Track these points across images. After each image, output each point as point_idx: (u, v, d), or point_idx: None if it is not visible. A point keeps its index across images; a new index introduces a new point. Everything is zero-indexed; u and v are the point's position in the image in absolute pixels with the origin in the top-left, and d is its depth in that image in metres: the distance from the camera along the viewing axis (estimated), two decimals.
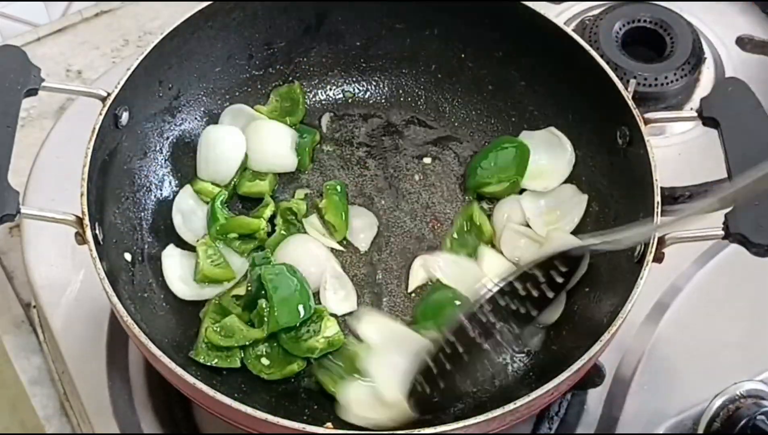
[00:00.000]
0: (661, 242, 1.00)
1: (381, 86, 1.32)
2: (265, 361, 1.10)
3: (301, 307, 1.09)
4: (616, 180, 1.16)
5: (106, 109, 1.07)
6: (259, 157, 1.24)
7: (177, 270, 1.16)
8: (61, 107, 1.43)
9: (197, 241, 1.18)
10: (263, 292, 1.10)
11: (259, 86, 1.29)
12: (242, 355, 1.09)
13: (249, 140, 1.24)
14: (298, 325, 1.09)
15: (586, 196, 1.20)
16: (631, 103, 1.09)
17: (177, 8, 1.50)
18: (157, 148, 1.21)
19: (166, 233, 1.19)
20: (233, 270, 1.16)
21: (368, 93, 1.33)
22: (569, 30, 1.17)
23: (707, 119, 1.05)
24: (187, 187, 1.22)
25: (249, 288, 1.12)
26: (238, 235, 1.19)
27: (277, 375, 1.09)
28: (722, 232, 0.97)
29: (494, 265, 1.16)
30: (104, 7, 1.56)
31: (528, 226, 1.20)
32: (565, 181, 1.22)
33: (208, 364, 1.07)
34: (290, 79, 1.30)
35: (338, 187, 1.22)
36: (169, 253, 1.17)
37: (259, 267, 1.12)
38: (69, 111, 1.37)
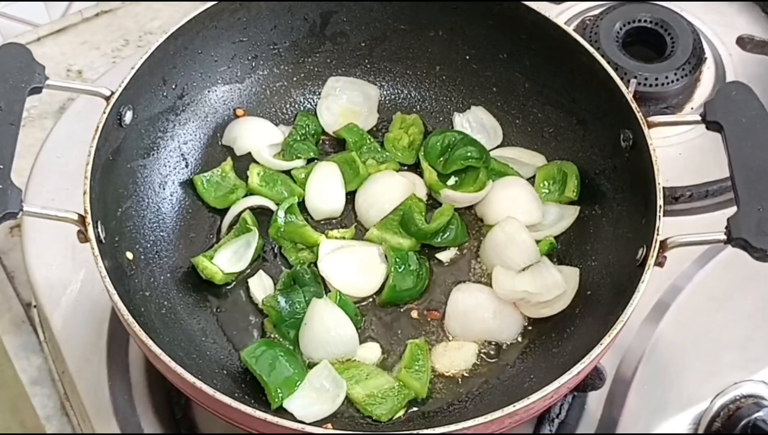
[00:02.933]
0: (663, 246, 1.00)
1: (385, 87, 1.32)
2: None
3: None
4: (619, 182, 1.16)
5: (110, 108, 1.07)
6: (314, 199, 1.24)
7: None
8: (62, 107, 1.43)
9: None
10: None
11: (263, 86, 1.29)
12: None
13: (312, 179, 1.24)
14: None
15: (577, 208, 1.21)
16: (634, 105, 1.09)
17: (177, 8, 1.50)
18: (161, 147, 1.21)
19: (168, 231, 1.19)
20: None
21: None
22: (570, 30, 1.17)
23: (711, 123, 1.05)
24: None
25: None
26: (294, 243, 1.20)
27: None
28: (724, 237, 0.97)
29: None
30: (104, 7, 1.55)
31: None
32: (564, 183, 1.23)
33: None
34: (294, 78, 1.31)
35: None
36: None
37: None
38: (70, 111, 1.37)
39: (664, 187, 1.05)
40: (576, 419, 1.13)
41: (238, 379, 1.10)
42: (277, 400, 1.05)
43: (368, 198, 1.23)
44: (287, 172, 1.26)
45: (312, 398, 1.07)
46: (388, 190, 1.22)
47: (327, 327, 1.11)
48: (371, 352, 1.13)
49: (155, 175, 1.20)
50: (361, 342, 1.13)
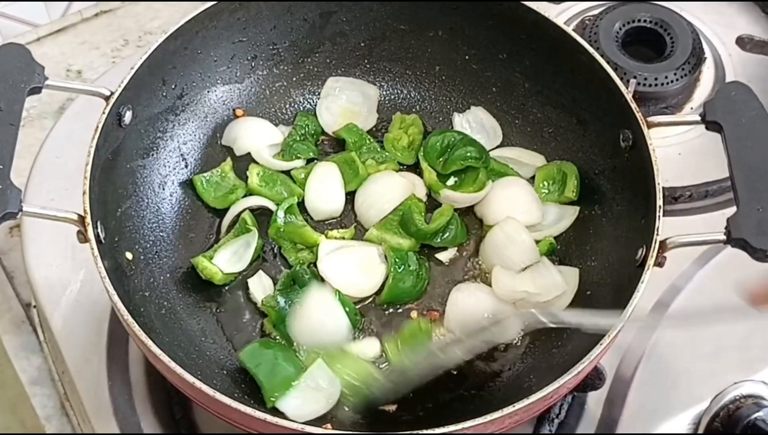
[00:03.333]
0: (663, 246, 1.00)
1: (385, 87, 1.32)
2: None
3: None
4: (618, 182, 1.16)
5: (109, 108, 1.07)
6: (313, 199, 1.24)
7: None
8: (61, 107, 1.43)
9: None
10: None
11: (263, 87, 1.29)
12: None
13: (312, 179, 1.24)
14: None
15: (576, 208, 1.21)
16: (634, 106, 1.09)
17: (177, 8, 1.50)
18: (160, 147, 1.21)
19: (168, 231, 1.19)
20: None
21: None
22: (570, 30, 1.17)
23: (710, 123, 1.05)
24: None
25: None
26: (293, 243, 1.20)
27: None
28: (724, 237, 0.97)
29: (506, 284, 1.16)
30: (104, 7, 1.55)
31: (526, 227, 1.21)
32: (564, 182, 1.23)
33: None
34: (294, 79, 1.31)
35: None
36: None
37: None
38: (69, 111, 1.37)
39: (663, 187, 1.05)
40: (576, 419, 1.13)
41: (238, 379, 1.10)
42: (272, 399, 1.05)
43: (368, 198, 1.23)
44: (287, 172, 1.26)
45: (308, 398, 1.07)
46: (387, 191, 1.22)
47: (318, 312, 1.11)
48: (369, 346, 1.13)
49: (155, 175, 1.20)
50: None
